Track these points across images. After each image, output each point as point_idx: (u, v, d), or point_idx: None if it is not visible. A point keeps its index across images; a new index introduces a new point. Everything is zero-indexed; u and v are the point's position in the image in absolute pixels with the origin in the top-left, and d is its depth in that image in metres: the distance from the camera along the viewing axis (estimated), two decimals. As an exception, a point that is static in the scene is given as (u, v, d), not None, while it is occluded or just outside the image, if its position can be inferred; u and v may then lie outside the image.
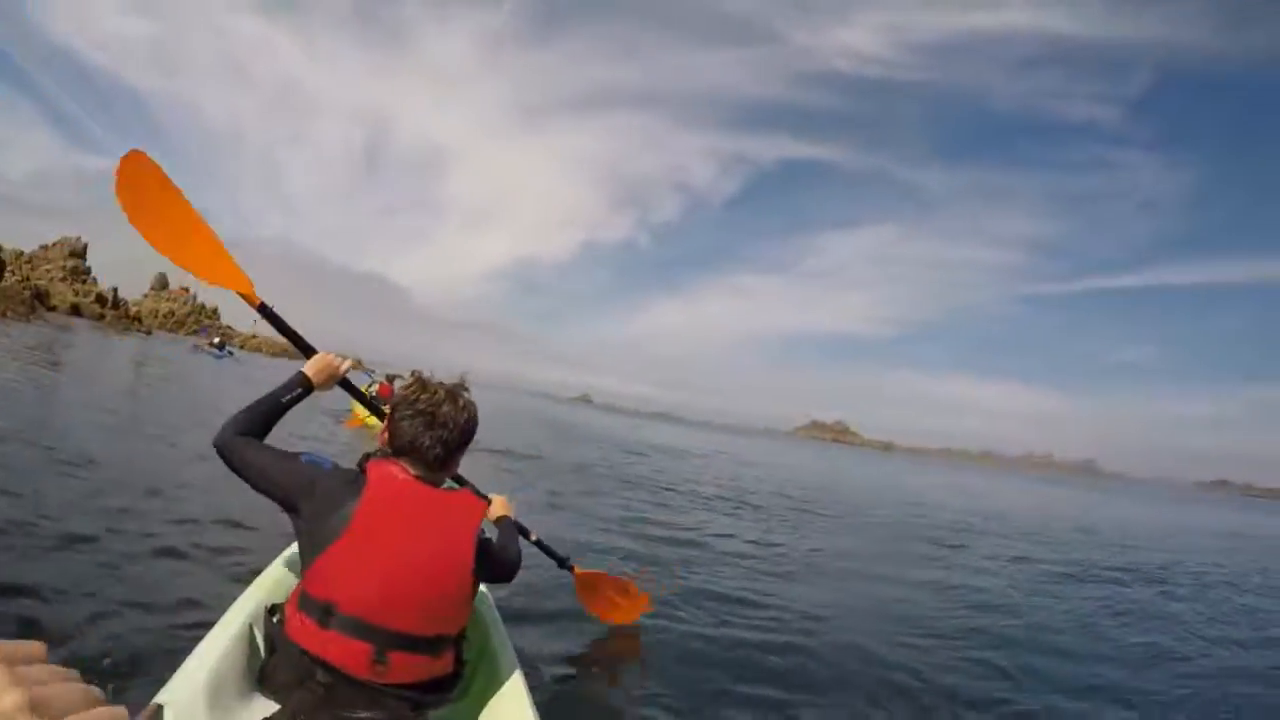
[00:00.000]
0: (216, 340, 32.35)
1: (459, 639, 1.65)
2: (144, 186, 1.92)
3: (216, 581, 3.31)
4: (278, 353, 39.04)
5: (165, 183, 1.95)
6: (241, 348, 43.96)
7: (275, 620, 1.56)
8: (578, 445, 18.70)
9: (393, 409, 1.63)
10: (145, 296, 45.85)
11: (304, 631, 1.45)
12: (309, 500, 1.52)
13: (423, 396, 1.61)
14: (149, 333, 40.37)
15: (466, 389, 1.69)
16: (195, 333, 37.61)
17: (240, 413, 1.65)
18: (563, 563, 3.18)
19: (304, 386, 1.77)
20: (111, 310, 43.27)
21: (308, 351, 1.94)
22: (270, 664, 1.56)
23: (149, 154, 1.90)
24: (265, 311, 1.99)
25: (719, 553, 6.40)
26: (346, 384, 2.00)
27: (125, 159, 1.86)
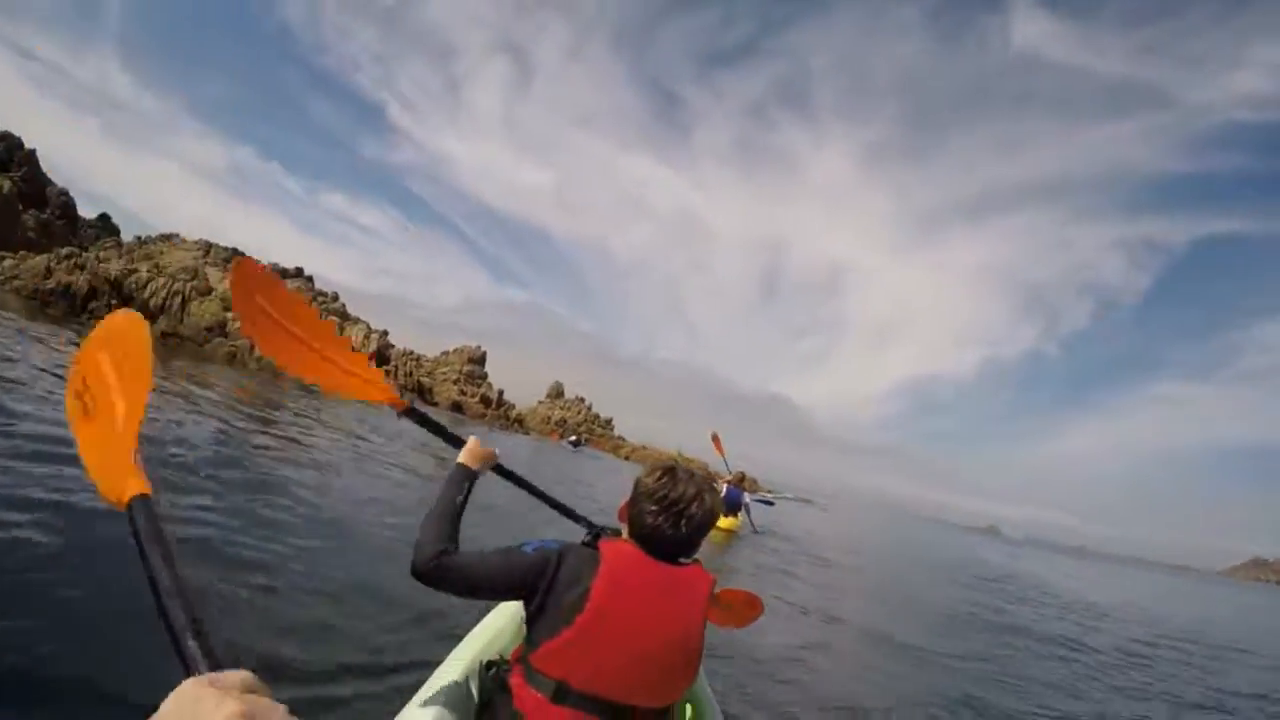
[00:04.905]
0: (574, 438, 43.04)
1: None
2: (258, 296, 1.74)
3: (427, 637, 3.56)
4: (628, 455, 44.69)
5: (279, 293, 1.79)
6: (610, 450, 50.51)
7: (491, 675, 1.71)
8: (965, 589, 14.62)
9: (635, 497, 1.66)
10: (539, 404, 50.43)
11: (533, 705, 1.49)
12: (543, 583, 1.55)
13: (673, 491, 1.61)
14: (527, 433, 45.84)
15: (714, 485, 1.67)
16: (561, 435, 47.45)
17: (426, 531, 1.59)
18: None
19: (469, 478, 1.79)
20: (494, 410, 47.81)
21: (457, 443, 1.99)
22: None
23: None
24: (413, 414, 2.07)
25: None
26: (500, 469, 2.09)
27: (234, 267, 1.73)
